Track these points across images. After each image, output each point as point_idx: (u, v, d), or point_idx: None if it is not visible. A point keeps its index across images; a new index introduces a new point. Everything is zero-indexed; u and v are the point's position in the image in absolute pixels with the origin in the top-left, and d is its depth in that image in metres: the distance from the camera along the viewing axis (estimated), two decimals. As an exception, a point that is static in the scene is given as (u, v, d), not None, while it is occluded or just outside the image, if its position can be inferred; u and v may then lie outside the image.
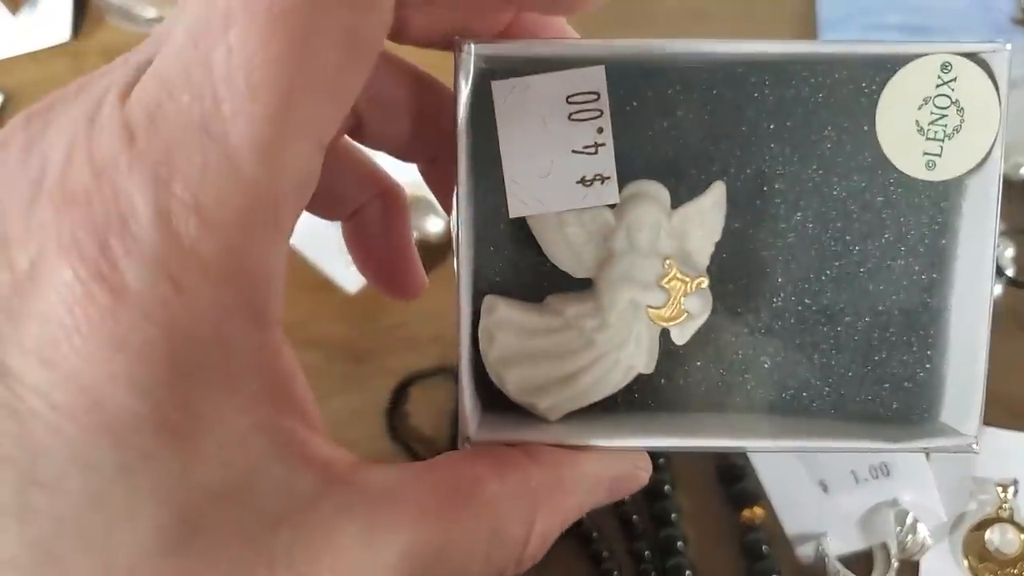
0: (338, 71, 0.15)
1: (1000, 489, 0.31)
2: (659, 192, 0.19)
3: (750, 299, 0.20)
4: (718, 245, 0.20)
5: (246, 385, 0.15)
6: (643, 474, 0.20)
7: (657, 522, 0.32)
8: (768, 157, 0.20)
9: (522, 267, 0.20)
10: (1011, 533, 0.31)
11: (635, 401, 0.20)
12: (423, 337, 0.39)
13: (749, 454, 0.31)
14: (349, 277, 0.40)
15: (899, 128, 0.19)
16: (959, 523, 0.31)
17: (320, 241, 0.40)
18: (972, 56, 0.19)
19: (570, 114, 0.18)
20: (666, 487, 0.33)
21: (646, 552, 0.32)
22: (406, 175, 0.25)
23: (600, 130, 0.18)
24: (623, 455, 0.19)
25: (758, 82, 0.19)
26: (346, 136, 0.22)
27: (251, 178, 0.14)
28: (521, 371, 0.19)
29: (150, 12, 0.55)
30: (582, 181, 0.19)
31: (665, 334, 0.20)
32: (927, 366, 0.20)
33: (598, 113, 0.18)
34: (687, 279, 0.19)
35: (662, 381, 0.20)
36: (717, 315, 0.20)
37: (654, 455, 0.33)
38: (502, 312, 0.19)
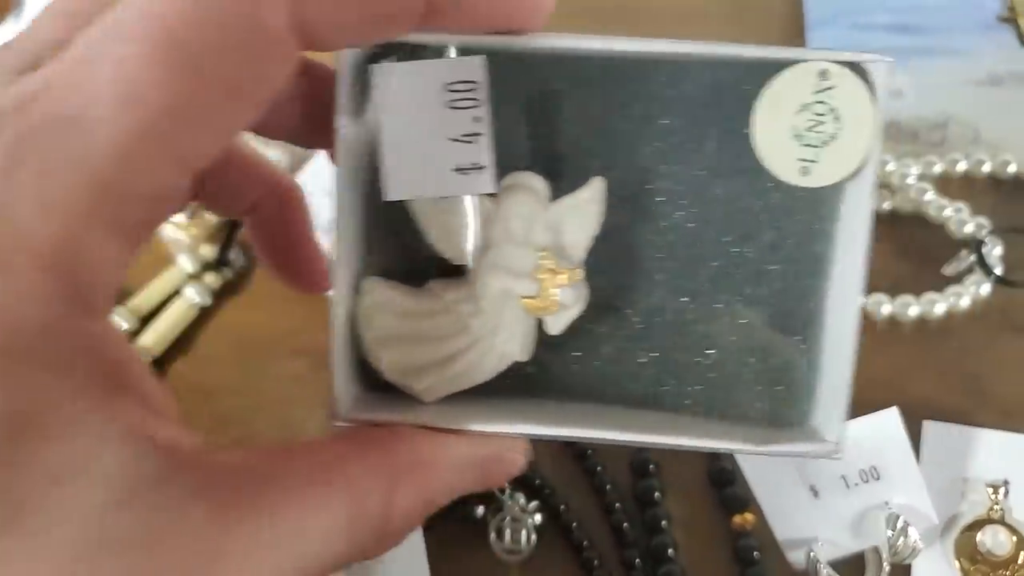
0: (218, 111, 0.16)
1: (991, 490, 0.31)
2: (537, 184, 0.20)
3: (628, 294, 0.20)
4: (598, 239, 0.20)
5: (77, 370, 0.15)
6: (518, 457, 0.20)
7: (648, 529, 0.32)
8: (651, 154, 0.20)
9: (406, 251, 0.20)
10: (1003, 534, 0.31)
11: (512, 387, 0.21)
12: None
13: (737, 458, 0.30)
14: (336, 286, 0.40)
15: (775, 133, 0.19)
16: (951, 525, 0.31)
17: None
18: (852, 65, 0.19)
19: (449, 102, 0.19)
20: (656, 494, 0.32)
21: (637, 560, 0.31)
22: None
23: (477, 119, 0.19)
24: (495, 438, 0.20)
25: (644, 79, 0.20)
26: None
27: (102, 179, 0.15)
28: (398, 352, 0.20)
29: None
30: (459, 169, 0.19)
31: (541, 328, 0.20)
32: (800, 371, 0.21)
33: (476, 103, 0.19)
34: (561, 271, 0.19)
35: (538, 369, 0.21)
36: (595, 308, 0.20)
37: (646, 461, 0.33)
38: (380, 294, 0.20)
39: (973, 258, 0.37)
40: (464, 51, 0.19)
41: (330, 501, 0.17)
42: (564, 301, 0.19)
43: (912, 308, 0.37)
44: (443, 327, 0.20)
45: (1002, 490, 0.31)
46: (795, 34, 0.48)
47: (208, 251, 0.41)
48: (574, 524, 0.32)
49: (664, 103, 0.20)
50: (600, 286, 0.20)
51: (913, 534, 0.30)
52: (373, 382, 0.21)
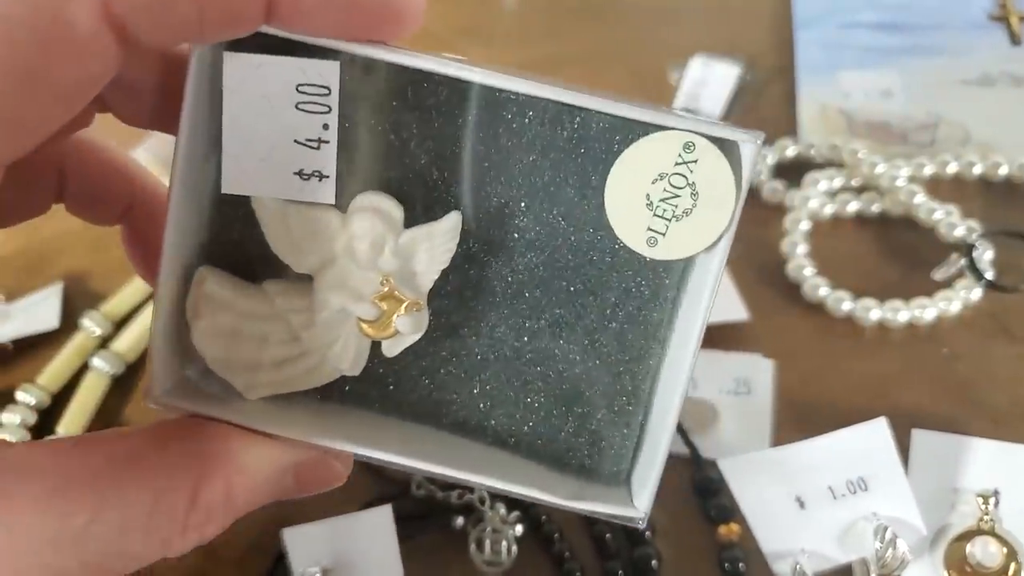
0: (22, 106, 0.15)
1: (981, 500, 0.31)
2: (392, 209, 0.19)
3: (472, 323, 0.20)
4: (449, 265, 0.19)
5: None
6: (336, 465, 0.20)
7: (631, 540, 0.31)
8: (515, 191, 0.19)
9: (245, 244, 0.19)
10: (993, 546, 0.30)
11: (340, 395, 0.20)
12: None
13: (722, 468, 0.30)
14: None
15: (628, 198, 0.18)
16: (940, 536, 0.31)
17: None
18: (719, 141, 0.18)
19: (298, 103, 0.18)
20: (640, 504, 0.32)
21: (620, 572, 0.31)
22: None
23: (326, 127, 0.18)
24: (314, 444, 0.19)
25: (517, 115, 0.19)
26: (96, 138, 0.22)
27: None
28: (223, 347, 0.19)
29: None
30: (300, 173, 0.18)
31: (376, 343, 0.20)
32: (625, 430, 0.20)
33: (327, 109, 0.18)
34: (403, 299, 0.19)
35: (371, 382, 0.20)
36: (438, 332, 0.20)
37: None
38: (211, 286, 0.19)
39: (964, 262, 0.36)
40: (322, 54, 0.18)
41: (133, 496, 0.17)
42: (402, 329, 0.19)
43: (901, 313, 0.36)
44: (271, 332, 0.19)
45: (992, 500, 0.31)
46: (783, 33, 0.47)
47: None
48: (556, 535, 0.31)
49: (532, 142, 0.19)
50: (446, 310, 0.20)
51: (902, 546, 0.29)
52: (197, 366, 0.20)
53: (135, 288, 0.39)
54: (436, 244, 0.19)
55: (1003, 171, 0.40)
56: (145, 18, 0.16)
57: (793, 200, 0.39)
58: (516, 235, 0.20)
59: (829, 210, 0.39)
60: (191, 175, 0.19)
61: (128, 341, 0.38)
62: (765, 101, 0.44)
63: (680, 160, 0.18)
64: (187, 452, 0.18)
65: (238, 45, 0.18)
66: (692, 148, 0.18)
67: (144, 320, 0.38)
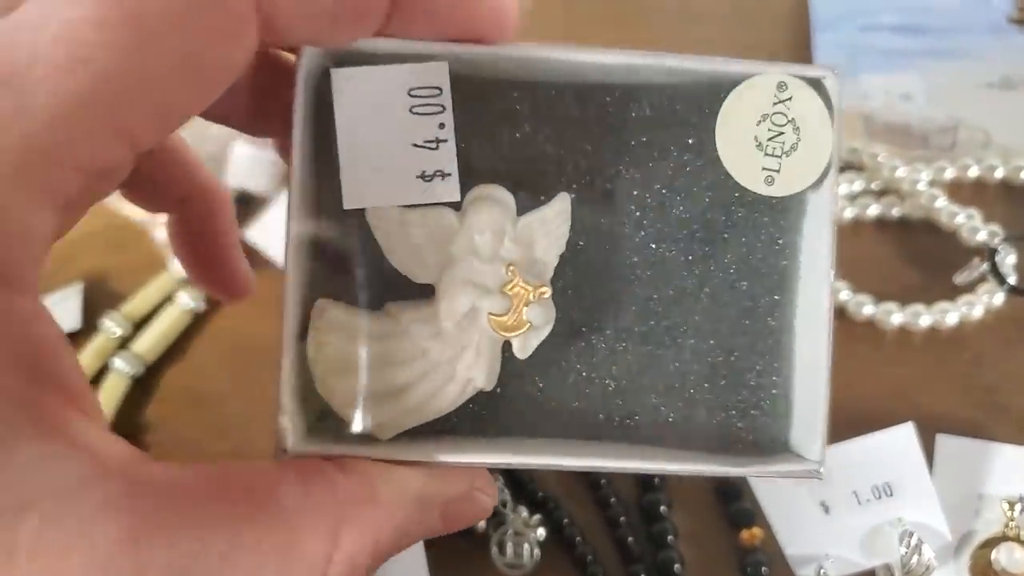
0: (171, 87, 0.15)
1: (1007, 506, 0.31)
2: (504, 197, 0.19)
3: (593, 317, 0.19)
4: (561, 259, 0.19)
5: None
6: (484, 498, 0.19)
7: (654, 544, 0.31)
8: (613, 174, 0.19)
9: (362, 270, 0.19)
10: (1018, 552, 0.30)
11: (475, 421, 0.19)
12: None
13: (753, 486, 0.30)
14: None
15: (739, 143, 0.19)
16: (965, 542, 0.31)
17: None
18: (806, 78, 0.19)
19: (412, 107, 0.18)
20: (662, 507, 0.32)
21: (642, 575, 0.30)
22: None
23: (442, 126, 0.18)
24: (457, 474, 0.18)
25: (604, 98, 0.19)
26: None
27: (35, 144, 0.14)
28: (350, 383, 0.18)
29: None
30: (422, 176, 0.18)
31: (507, 349, 0.19)
32: (773, 391, 0.20)
33: (440, 108, 0.18)
34: (530, 287, 0.18)
35: (500, 401, 0.19)
36: (559, 334, 0.19)
37: (650, 476, 0.32)
38: (332, 315, 0.18)
39: (986, 267, 0.36)
40: (426, 58, 0.18)
41: (269, 534, 0.15)
42: (534, 320, 0.18)
43: (923, 318, 0.36)
44: (398, 351, 0.18)
45: (1018, 506, 0.31)
46: (802, 35, 0.47)
47: (203, 255, 0.40)
48: (578, 538, 0.31)
49: (623, 121, 0.19)
50: (565, 308, 0.19)
51: (927, 552, 0.29)
52: (324, 410, 0.19)
53: (155, 288, 0.39)
54: (551, 228, 0.19)
55: (1025, 175, 0.40)
56: (291, 6, 0.16)
57: (814, 203, 0.39)
58: (622, 219, 0.20)
59: (849, 213, 0.39)
60: (305, 203, 0.18)
61: (148, 342, 0.38)
62: (784, 104, 0.44)
63: (777, 100, 0.19)
64: (329, 493, 0.16)
65: (340, 61, 0.18)
66: (785, 88, 0.19)
67: (163, 320, 0.38)
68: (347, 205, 0.18)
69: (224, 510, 0.15)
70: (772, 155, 0.19)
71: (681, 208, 0.20)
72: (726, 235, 0.20)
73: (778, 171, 0.19)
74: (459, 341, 0.18)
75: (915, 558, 0.29)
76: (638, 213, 0.19)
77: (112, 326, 0.38)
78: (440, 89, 0.18)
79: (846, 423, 0.32)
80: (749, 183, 0.19)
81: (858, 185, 0.40)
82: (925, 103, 0.43)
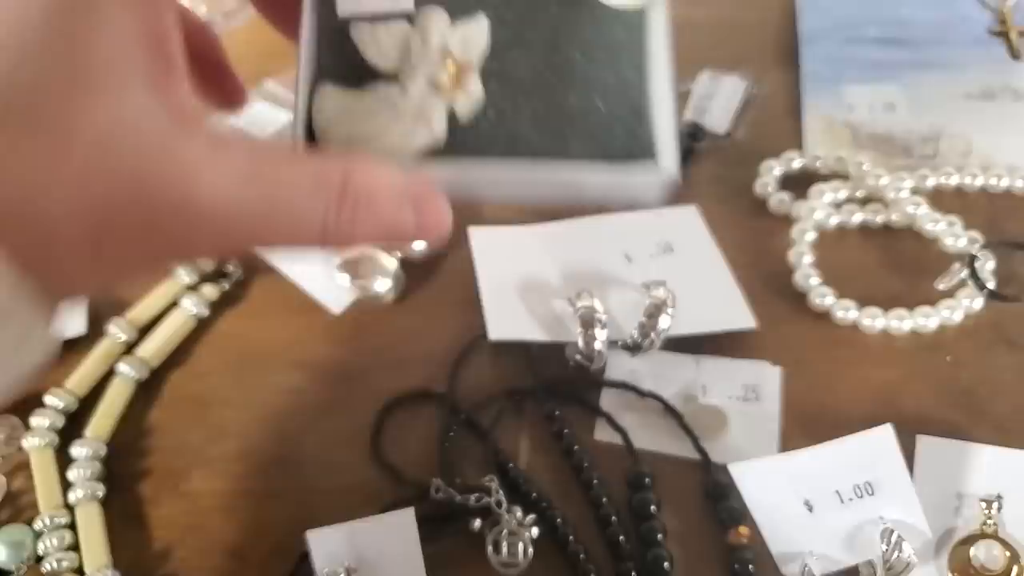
0: None
1: (984, 505, 0.32)
2: (442, 13, 0.26)
3: (504, 73, 0.26)
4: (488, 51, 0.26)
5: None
6: (446, 204, 0.24)
7: (644, 542, 0.32)
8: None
9: (350, 63, 0.26)
10: (996, 549, 0.31)
11: (431, 154, 0.26)
12: (409, 358, 0.38)
13: (733, 473, 0.31)
14: (334, 299, 0.40)
15: None
16: (945, 540, 0.32)
17: (305, 264, 0.40)
18: None
19: None
20: (652, 507, 0.33)
21: (633, 573, 0.31)
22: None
23: None
24: (424, 176, 0.25)
25: None
26: None
27: None
28: (341, 129, 0.25)
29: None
30: None
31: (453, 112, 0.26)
32: (640, 127, 0.26)
33: None
34: (465, 68, 0.26)
35: (450, 140, 0.26)
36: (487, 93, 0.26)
37: (641, 475, 0.33)
38: (329, 91, 0.26)
39: (966, 272, 0.37)
40: None
41: (302, 168, 0.22)
42: (469, 90, 0.26)
43: (905, 322, 0.37)
44: (378, 110, 0.26)
45: (995, 505, 0.32)
46: (789, 48, 0.49)
47: (206, 262, 0.41)
48: (570, 537, 0.32)
49: None
50: (485, 80, 0.26)
51: (907, 549, 0.30)
52: None
53: (159, 295, 0.40)
54: (477, 33, 0.26)
55: (1004, 183, 0.41)
56: None
57: (800, 211, 0.40)
58: (511, 29, 0.27)
59: (834, 221, 0.40)
60: (315, 15, 0.26)
61: (153, 347, 0.39)
62: (771, 114, 0.45)
63: None
64: (335, 157, 0.24)
65: None
66: None
67: (168, 326, 0.39)
68: (341, 14, 0.26)
69: (268, 151, 0.24)
70: None
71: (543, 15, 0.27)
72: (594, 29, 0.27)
73: None
74: (419, 104, 0.26)
75: (896, 555, 0.30)
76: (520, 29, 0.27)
77: (117, 332, 0.39)
78: None
79: (830, 425, 0.33)
80: None
81: (843, 193, 0.41)
82: (908, 113, 0.44)
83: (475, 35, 0.26)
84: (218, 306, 0.41)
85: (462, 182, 0.25)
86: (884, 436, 0.29)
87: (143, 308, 0.40)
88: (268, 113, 0.47)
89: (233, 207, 0.20)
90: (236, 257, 0.41)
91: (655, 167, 0.25)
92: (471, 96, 0.26)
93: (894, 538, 0.30)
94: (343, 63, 0.26)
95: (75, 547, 0.34)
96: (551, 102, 0.26)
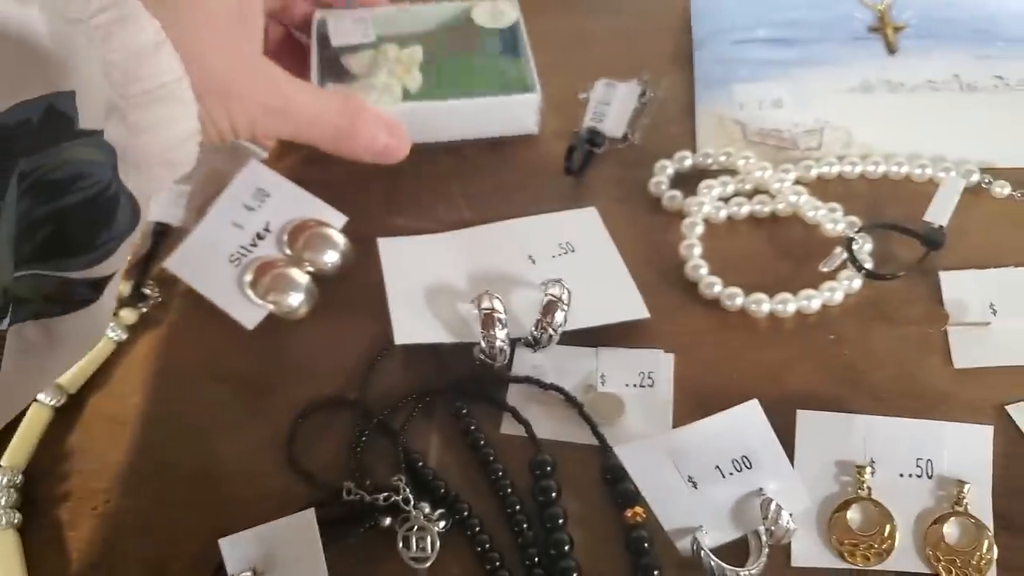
0: None
1: (858, 471, 0.34)
2: (394, 44, 0.46)
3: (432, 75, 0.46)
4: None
5: None
6: (405, 137, 0.43)
7: (546, 528, 0.34)
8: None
9: (340, 72, 0.46)
10: (870, 510, 0.33)
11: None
12: (323, 369, 0.40)
13: (621, 456, 0.32)
14: (247, 315, 0.41)
15: None
16: (825, 506, 0.34)
17: (219, 277, 0.41)
18: None
19: None
20: (553, 493, 0.34)
21: (536, 557, 0.33)
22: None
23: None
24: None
25: None
26: None
27: None
28: None
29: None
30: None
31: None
32: (519, 78, 0.47)
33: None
34: (409, 66, 0.47)
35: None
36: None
37: (543, 462, 0.35)
38: (330, 85, 0.45)
39: (845, 255, 0.40)
40: None
41: (326, 92, 0.45)
42: (415, 76, 0.46)
43: (790, 304, 0.39)
44: (359, 89, 0.45)
45: (868, 470, 0.34)
46: (686, 51, 0.51)
47: (123, 287, 0.42)
48: (477, 528, 0.34)
49: None
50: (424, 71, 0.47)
51: (785, 516, 0.32)
52: None
53: (76, 322, 0.41)
54: (414, 54, 0.47)
55: (881, 169, 0.44)
56: None
57: (690, 206, 0.42)
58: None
59: (724, 214, 0.43)
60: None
61: (70, 373, 0.40)
62: (667, 117, 0.48)
63: None
64: (343, 92, 0.45)
65: None
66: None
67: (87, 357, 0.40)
68: (334, 45, 0.47)
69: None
70: None
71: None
72: None
73: None
74: (383, 83, 0.45)
75: (777, 523, 0.32)
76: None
77: (35, 360, 0.40)
78: None
79: (720, 405, 0.34)
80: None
81: (731, 188, 0.43)
82: (794, 108, 0.47)
83: (414, 54, 0.47)
84: (136, 328, 0.42)
85: (413, 118, 0.44)
86: (752, 410, 0.31)
87: (61, 335, 0.41)
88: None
89: (308, 110, 0.39)
90: (287, 138, 0.46)
91: (531, 95, 0.46)
92: (415, 80, 0.46)
93: (772, 507, 0.32)
94: (338, 71, 0.47)
95: (-4, 572, 0.35)
96: (462, 77, 0.47)
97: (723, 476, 0.32)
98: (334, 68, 0.47)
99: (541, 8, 0.51)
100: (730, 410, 0.31)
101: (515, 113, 0.46)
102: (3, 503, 0.36)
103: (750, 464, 0.32)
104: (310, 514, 0.31)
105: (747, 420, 0.31)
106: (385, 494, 0.34)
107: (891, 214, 0.43)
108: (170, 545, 0.35)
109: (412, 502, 0.34)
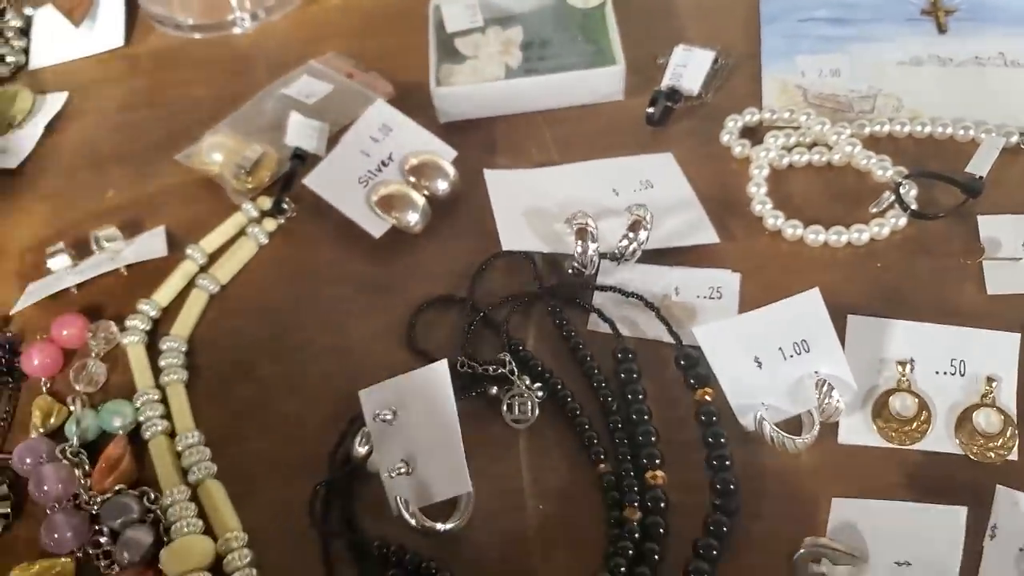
0: None
1: (899, 366, 0.39)
2: (498, 27, 0.55)
3: (534, 52, 0.55)
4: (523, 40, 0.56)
5: None
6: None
7: (628, 402, 0.40)
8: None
9: (456, 54, 0.54)
10: (909, 400, 0.39)
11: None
12: (435, 272, 0.47)
13: (699, 340, 0.38)
14: (373, 226, 0.48)
15: None
16: (870, 394, 0.39)
17: (350, 195, 0.48)
18: None
19: None
20: (634, 374, 0.40)
21: (619, 419, 0.39)
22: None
23: None
24: None
25: None
26: None
27: None
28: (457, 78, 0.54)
29: (189, 20, 0.63)
30: None
31: None
32: (607, 54, 0.55)
33: None
34: (510, 46, 0.56)
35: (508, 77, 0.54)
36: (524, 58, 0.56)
37: (626, 349, 0.41)
38: (445, 64, 0.55)
39: (893, 197, 0.45)
40: None
41: None
42: (515, 54, 0.55)
43: (843, 236, 0.45)
44: (470, 68, 0.55)
45: (908, 366, 0.39)
46: (753, 29, 0.57)
47: (266, 201, 0.50)
48: (569, 399, 0.40)
49: None
50: None
51: (836, 395, 0.37)
52: None
53: (227, 226, 0.49)
54: (513, 35, 0.56)
55: (927, 130, 0.49)
56: None
57: (757, 153, 0.49)
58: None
59: (786, 161, 0.49)
60: None
61: (223, 268, 0.47)
62: (736, 81, 0.54)
63: None
64: None
65: None
66: None
67: (236, 251, 0.48)
68: (449, 31, 0.57)
69: None
70: None
71: None
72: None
73: None
74: (488, 63, 0.55)
75: (827, 401, 0.38)
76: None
77: (195, 254, 0.47)
78: None
79: None
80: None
81: (793, 140, 0.49)
82: (851, 77, 0.53)
83: (513, 35, 0.54)
84: (275, 235, 0.49)
85: (513, 93, 0.52)
86: (813, 298, 0.37)
87: (215, 236, 0.48)
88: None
89: None
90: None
91: (617, 67, 0.52)
92: (515, 57, 0.54)
93: (825, 387, 0.38)
94: (452, 53, 0.55)
95: (166, 417, 0.42)
96: (556, 53, 0.54)
97: (784, 358, 0.38)
98: (448, 50, 0.55)
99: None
100: (793, 297, 0.37)
101: (602, 84, 0.53)
102: (174, 362, 0.43)
103: (808, 348, 0.38)
104: (443, 364, 0.37)
105: (808, 307, 0.37)
106: (493, 366, 0.41)
107: (935, 168, 0.48)
108: (309, 404, 0.42)
109: (516, 374, 0.41)
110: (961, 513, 0.35)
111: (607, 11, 0.55)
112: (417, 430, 0.37)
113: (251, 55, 0.61)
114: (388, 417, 0.37)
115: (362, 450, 0.38)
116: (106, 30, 0.62)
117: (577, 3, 0.57)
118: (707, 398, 0.39)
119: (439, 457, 0.36)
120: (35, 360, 0.44)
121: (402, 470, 0.37)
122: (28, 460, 0.40)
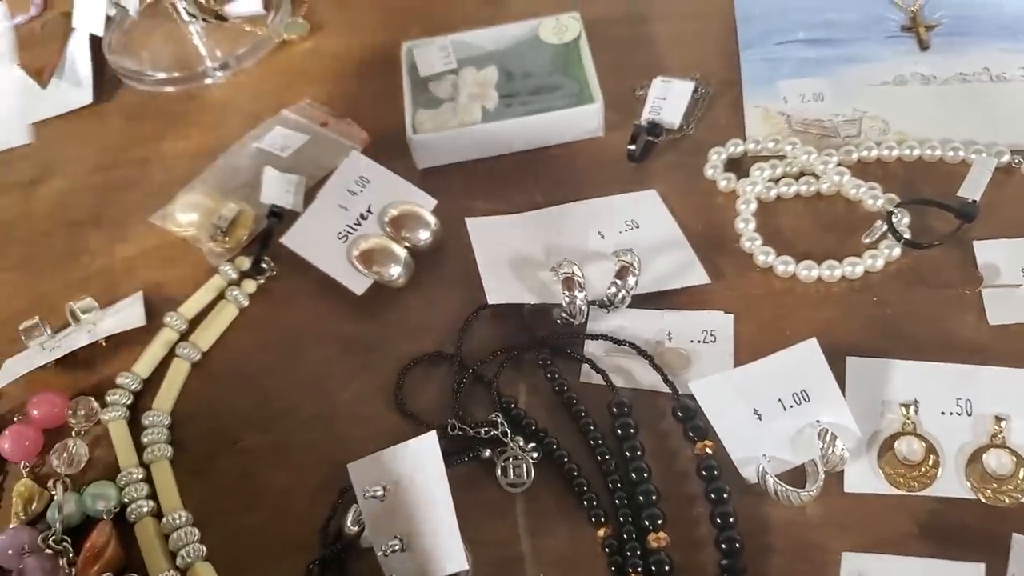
0: None
1: (903, 408, 0.38)
2: (472, 68, 0.55)
3: (508, 94, 0.55)
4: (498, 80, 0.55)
5: None
6: None
7: (626, 459, 0.39)
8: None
9: (430, 97, 0.54)
10: (916, 443, 0.38)
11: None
12: (420, 326, 0.45)
13: (696, 394, 0.37)
14: (354, 282, 0.47)
15: None
16: (874, 439, 0.38)
17: (329, 251, 0.47)
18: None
19: None
20: (631, 429, 0.39)
21: (619, 482, 0.38)
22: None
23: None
24: None
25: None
26: None
27: None
28: (431, 124, 0.52)
29: (160, 73, 0.62)
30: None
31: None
32: (584, 92, 0.54)
33: None
34: (486, 87, 0.53)
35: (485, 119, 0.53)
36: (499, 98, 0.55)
37: (622, 403, 0.40)
38: (421, 111, 0.53)
39: (885, 227, 0.44)
40: None
41: None
42: (491, 95, 0.53)
43: (836, 271, 0.44)
44: (445, 112, 0.53)
45: (912, 407, 0.38)
46: (732, 54, 0.56)
47: (244, 261, 0.48)
48: (565, 459, 0.39)
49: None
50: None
51: (840, 444, 0.36)
52: None
53: (206, 290, 0.47)
54: (488, 76, 0.54)
55: (916, 152, 0.48)
56: None
57: (743, 187, 0.47)
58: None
59: (774, 193, 0.47)
60: None
61: (204, 334, 0.46)
62: (718, 110, 0.53)
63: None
64: None
65: None
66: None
67: (216, 314, 0.46)
68: (422, 74, 0.56)
69: None
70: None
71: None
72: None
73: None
74: (464, 104, 0.53)
75: (831, 450, 0.37)
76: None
77: (174, 321, 0.46)
78: None
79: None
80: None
81: (779, 170, 0.48)
82: (834, 101, 0.52)
83: (488, 76, 0.53)
84: (256, 297, 0.48)
85: (490, 136, 0.50)
86: (810, 348, 0.36)
87: (192, 302, 0.47)
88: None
89: None
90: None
91: (595, 105, 0.51)
92: (491, 99, 0.52)
93: (828, 436, 0.36)
94: (427, 98, 0.54)
95: (151, 497, 0.41)
96: (532, 92, 0.53)
97: (784, 408, 0.37)
98: (423, 93, 0.54)
99: (600, 15, 0.57)
100: (791, 348, 0.36)
101: (581, 122, 0.51)
102: (158, 438, 0.42)
103: (808, 398, 0.37)
104: (432, 436, 0.36)
105: (806, 357, 0.36)
106: (485, 428, 0.40)
107: (926, 193, 0.47)
108: (297, 475, 0.41)
109: (509, 435, 0.39)
110: (980, 570, 0.34)
111: (582, 45, 0.54)
112: (409, 507, 0.36)
113: (224, 106, 0.60)
114: (379, 494, 0.36)
115: (355, 528, 0.37)
116: (74, 89, 0.61)
117: (551, 39, 0.56)
118: (707, 451, 0.38)
119: (433, 534, 0.35)
120: (8, 446, 0.42)
121: (396, 547, 0.35)
122: (10, 552, 0.39)
